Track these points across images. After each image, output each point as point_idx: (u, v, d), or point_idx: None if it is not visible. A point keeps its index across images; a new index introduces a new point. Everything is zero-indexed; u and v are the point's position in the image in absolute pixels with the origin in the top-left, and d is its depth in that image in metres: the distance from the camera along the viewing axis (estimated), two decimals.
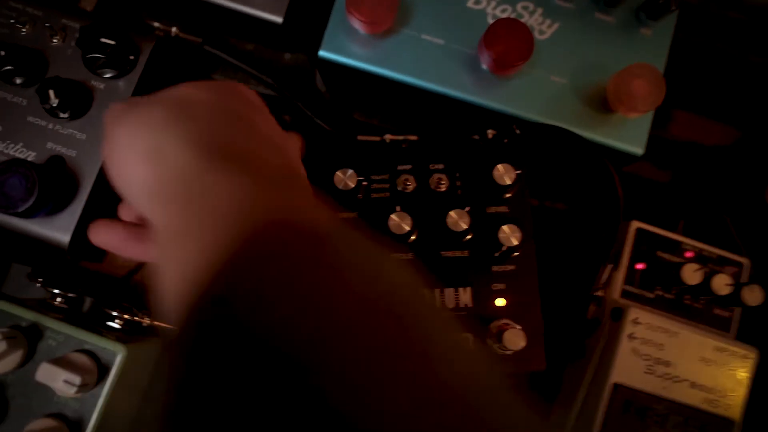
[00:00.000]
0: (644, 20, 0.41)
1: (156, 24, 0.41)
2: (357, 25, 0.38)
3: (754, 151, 0.45)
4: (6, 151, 0.36)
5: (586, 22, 0.41)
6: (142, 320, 0.38)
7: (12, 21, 0.37)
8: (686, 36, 0.43)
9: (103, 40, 0.35)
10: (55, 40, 0.37)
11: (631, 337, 0.35)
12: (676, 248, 0.38)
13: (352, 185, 0.35)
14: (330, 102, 0.43)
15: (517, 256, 0.36)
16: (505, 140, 0.40)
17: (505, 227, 0.35)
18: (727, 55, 0.48)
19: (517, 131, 0.39)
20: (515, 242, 0.35)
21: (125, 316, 0.38)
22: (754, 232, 0.41)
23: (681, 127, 0.47)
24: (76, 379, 0.32)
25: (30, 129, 0.36)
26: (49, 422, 0.34)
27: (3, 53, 0.34)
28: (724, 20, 0.48)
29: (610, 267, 0.38)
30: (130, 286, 0.45)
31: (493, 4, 0.40)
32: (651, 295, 0.38)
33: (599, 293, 0.38)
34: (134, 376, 0.37)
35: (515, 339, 0.33)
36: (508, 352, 0.34)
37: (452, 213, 0.35)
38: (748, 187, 0.43)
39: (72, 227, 0.35)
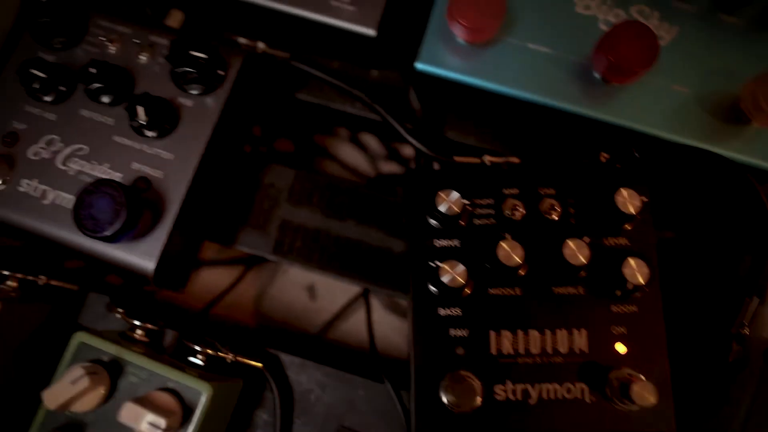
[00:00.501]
0: None
1: (242, 40, 0.39)
2: (459, 33, 0.35)
3: None
4: (92, 173, 0.34)
5: (709, 25, 0.37)
6: (226, 356, 0.35)
7: (102, 39, 0.36)
8: None
9: (194, 53, 0.33)
10: (142, 58, 0.35)
11: None
12: None
13: (458, 210, 0.32)
14: (424, 120, 0.40)
15: (640, 297, 0.32)
16: (618, 165, 0.36)
17: (631, 261, 0.30)
18: None
19: (636, 155, 0.35)
20: (642, 280, 0.30)
21: (208, 351, 0.35)
22: None
23: None
24: (162, 422, 0.29)
25: (116, 149, 0.34)
26: None
27: (94, 71, 0.33)
28: None
29: (757, 300, 0.33)
30: (209, 320, 0.42)
31: (604, 8, 0.37)
32: None
33: (744, 331, 0.33)
34: (217, 417, 0.34)
35: (644, 393, 0.28)
36: (635, 409, 0.29)
37: (570, 243, 0.31)
38: None
39: (157, 253, 0.33)
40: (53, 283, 0.37)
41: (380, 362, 0.44)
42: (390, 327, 0.45)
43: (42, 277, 0.37)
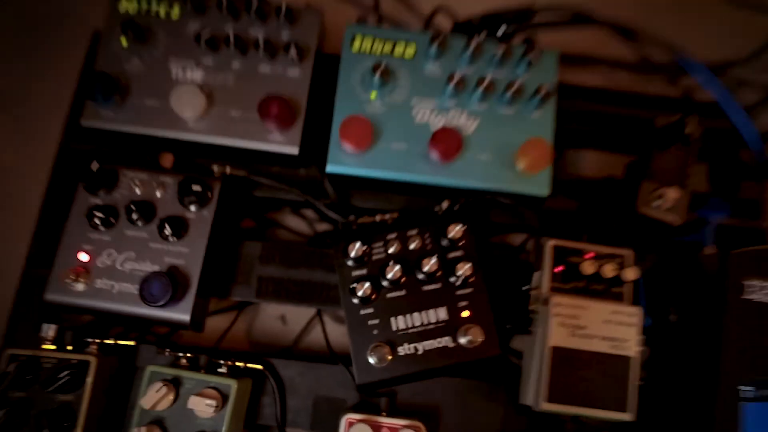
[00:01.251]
0: (533, 108, 0.62)
1: (215, 167, 0.62)
2: (347, 148, 0.59)
3: (626, 181, 0.66)
4: (140, 268, 0.55)
5: (496, 116, 0.62)
6: (239, 365, 0.57)
7: (130, 183, 0.57)
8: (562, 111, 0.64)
9: (193, 187, 0.55)
10: (158, 193, 0.57)
11: (556, 314, 0.54)
12: (580, 253, 0.58)
13: (361, 253, 0.55)
14: (337, 199, 0.64)
15: (472, 282, 0.56)
16: (455, 207, 0.60)
17: (463, 264, 0.55)
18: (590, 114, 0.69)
19: (462, 200, 0.59)
20: (468, 272, 0.54)
21: (228, 363, 0.57)
22: (633, 231, 0.62)
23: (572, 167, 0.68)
24: (213, 402, 0.51)
25: (153, 251, 0.56)
26: None
27: (133, 207, 0.55)
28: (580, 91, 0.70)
29: (539, 273, 0.58)
30: (219, 348, 0.64)
31: (432, 116, 0.62)
32: (568, 287, 0.57)
33: (534, 291, 0.58)
34: (241, 401, 0.56)
35: (477, 335, 0.53)
36: (475, 344, 0.53)
37: (424, 261, 0.55)
38: (627, 202, 0.63)
39: (190, 309, 0.55)
40: (119, 342, 0.58)
41: (334, 353, 0.66)
42: (338, 332, 0.68)
43: (111, 340, 0.58)
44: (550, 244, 0.59)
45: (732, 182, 0.70)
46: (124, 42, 0.60)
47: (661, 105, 0.71)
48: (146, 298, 0.52)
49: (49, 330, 0.56)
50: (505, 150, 0.61)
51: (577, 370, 0.54)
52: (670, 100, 0.73)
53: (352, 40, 0.62)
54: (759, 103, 0.78)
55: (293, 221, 0.72)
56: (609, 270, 0.56)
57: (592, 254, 0.58)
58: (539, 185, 0.60)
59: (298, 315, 0.69)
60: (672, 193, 0.59)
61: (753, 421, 0.53)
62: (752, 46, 0.85)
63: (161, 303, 0.52)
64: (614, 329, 0.54)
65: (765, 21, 0.89)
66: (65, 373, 0.52)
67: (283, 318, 0.69)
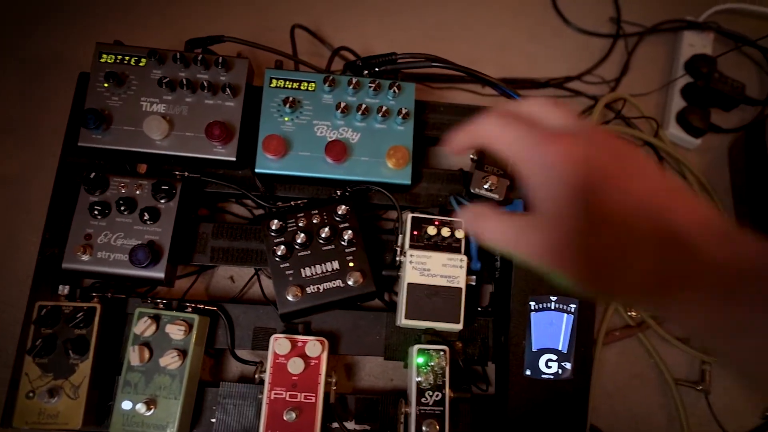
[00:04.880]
0: (398, 124, 0.90)
1: (176, 172, 0.87)
2: (268, 155, 0.85)
3: (468, 171, 0.94)
4: (128, 243, 0.81)
5: (372, 130, 0.90)
6: (200, 307, 0.84)
7: (117, 186, 0.83)
8: (423, 122, 0.92)
9: (163, 187, 0.81)
10: (138, 192, 0.83)
11: (410, 262, 0.82)
12: (429, 221, 0.86)
13: (279, 227, 0.82)
14: (264, 192, 0.90)
15: (354, 243, 0.84)
16: (345, 193, 0.88)
17: (347, 231, 0.82)
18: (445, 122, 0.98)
19: (349, 189, 0.87)
20: (352, 237, 0.82)
21: (192, 306, 0.83)
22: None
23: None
24: (183, 328, 0.77)
25: (136, 231, 0.82)
26: (173, 352, 0.78)
27: (122, 202, 0.80)
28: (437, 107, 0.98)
29: (402, 235, 0.86)
30: (185, 297, 0.90)
31: (327, 132, 0.89)
32: (421, 244, 0.85)
33: (398, 247, 0.86)
34: (202, 332, 0.82)
35: (359, 276, 0.81)
36: (358, 284, 0.81)
37: (322, 230, 0.82)
38: (467, 185, 0.92)
39: (164, 270, 0.81)
40: (115, 296, 0.84)
41: (267, 298, 0.93)
42: (270, 285, 0.95)
43: (108, 294, 0.84)
44: (409, 215, 0.87)
45: None
46: (106, 85, 0.85)
47: None
48: (134, 261, 0.78)
49: (64, 289, 0.82)
50: (379, 154, 0.88)
51: (425, 297, 0.82)
52: None
53: (270, 80, 0.89)
54: (583, 112, 1.08)
55: (237, 208, 0.98)
56: (445, 231, 0.85)
57: (437, 222, 0.87)
58: (403, 177, 0.88)
59: (242, 274, 0.95)
60: (493, 179, 0.88)
61: (536, 324, 0.83)
62: (586, 65, 1.16)
63: (144, 265, 0.78)
64: (449, 270, 0.83)
65: (597, 43, 1.19)
66: (80, 314, 0.77)
67: (232, 278, 0.95)
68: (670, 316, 0.36)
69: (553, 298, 0.83)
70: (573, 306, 0.83)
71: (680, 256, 0.32)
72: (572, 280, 0.35)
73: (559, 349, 0.82)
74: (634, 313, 0.97)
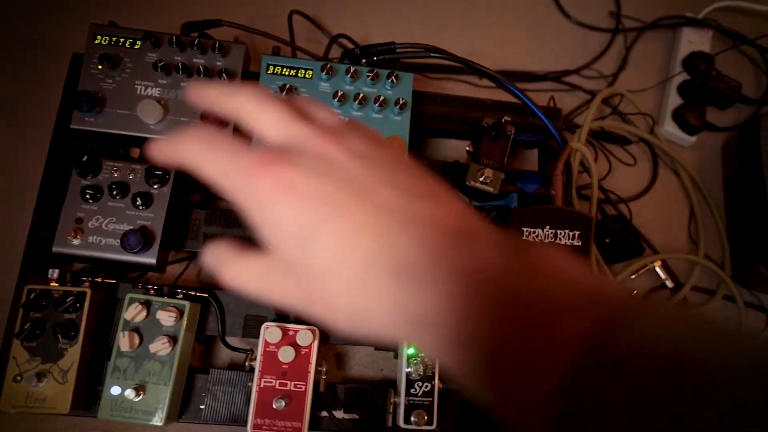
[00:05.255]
0: (395, 114, 0.89)
1: None
2: None
3: (464, 163, 0.94)
4: (120, 227, 0.80)
5: (369, 120, 0.89)
6: (192, 293, 0.83)
7: (110, 170, 0.82)
8: (417, 114, 0.92)
9: (156, 171, 0.81)
10: (131, 176, 0.82)
11: None
12: None
13: None
14: None
15: None
16: None
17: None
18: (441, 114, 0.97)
19: None
20: None
21: (184, 292, 0.83)
22: (466, 197, 0.90)
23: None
24: (173, 314, 0.77)
25: (128, 216, 0.81)
26: (163, 338, 0.78)
27: (114, 186, 0.80)
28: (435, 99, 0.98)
29: None
30: (177, 283, 0.89)
31: None
32: None
33: None
34: (193, 318, 0.82)
35: None
36: None
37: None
38: (462, 177, 0.92)
39: (155, 255, 0.80)
40: (106, 280, 0.83)
41: None
42: None
43: (99, 279, 0.83)
44: None
45: (542, 162, 1.00)
46: (100, 67, 0.84)
47: (490, 108, 0.99)
48: (125, 247, 0.78)
49: (54, 273, 0.81)
50: None
51: None
52: (496, 104, 1.01)
53: (268, 67, 0.88)
54: (579, 107, 1.08)
55: None
56: None
57: None
58: None
59: None
60: (489, 172, 0.88)
61: None
62: (584, 59, 1.16)
63: (136, 250, 0.78)
64: None
65: (596, 37, 1.19)
66: (70, 298, 0.77)
67: None
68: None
69: None
70: None
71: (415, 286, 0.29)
72: (331, 325, 0.31)
73: None
74: None
